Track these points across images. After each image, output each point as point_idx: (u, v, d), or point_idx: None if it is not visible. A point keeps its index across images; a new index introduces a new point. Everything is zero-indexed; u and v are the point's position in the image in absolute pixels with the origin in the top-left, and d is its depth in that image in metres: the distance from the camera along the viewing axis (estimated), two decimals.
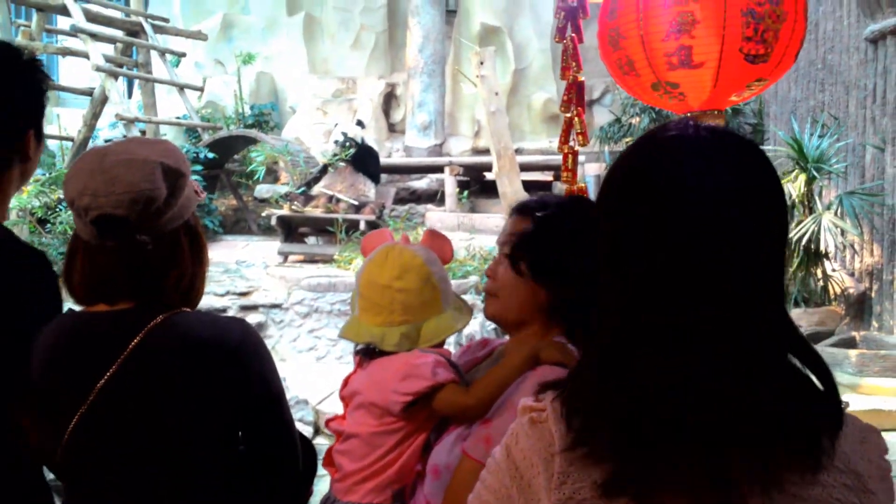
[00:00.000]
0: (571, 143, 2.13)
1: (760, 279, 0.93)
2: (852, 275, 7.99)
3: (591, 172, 11.02)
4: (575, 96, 2.12)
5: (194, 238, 1.61)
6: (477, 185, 11.01)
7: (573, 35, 2.11)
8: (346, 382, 1.70)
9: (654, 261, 0.92)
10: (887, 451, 1.00)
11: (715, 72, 1.95)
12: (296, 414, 6.09)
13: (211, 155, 10.58)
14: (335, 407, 6.47)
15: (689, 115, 2.10)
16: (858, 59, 7.94)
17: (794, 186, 7.48)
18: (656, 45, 1.95)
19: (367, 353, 1.68)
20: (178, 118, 11.72)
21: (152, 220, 1.49)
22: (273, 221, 9.41)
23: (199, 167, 10.40)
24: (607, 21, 2.05)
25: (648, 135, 1.01)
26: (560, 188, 9.17)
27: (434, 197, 11.35)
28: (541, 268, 1.50)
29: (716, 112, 2.08)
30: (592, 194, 8.21)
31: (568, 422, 0.94)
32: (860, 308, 7.78)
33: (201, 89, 12.49)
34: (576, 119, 2.12)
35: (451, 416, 1.53)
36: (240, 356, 1.51)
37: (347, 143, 9.43)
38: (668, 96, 2.06)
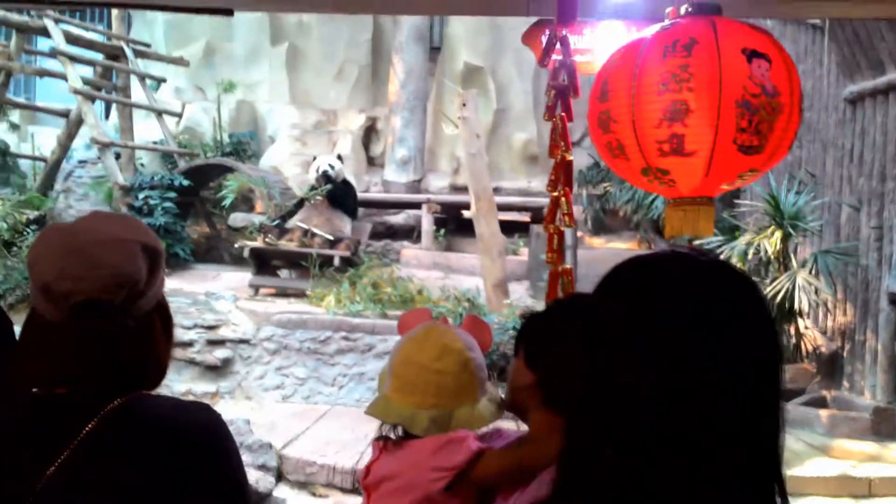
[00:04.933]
0: (557, 223, 2.07)
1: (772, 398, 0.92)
2: (825, 333, 8.01)
3: None
4: (563, 176, 2.07)
5: (165, 317, 1.57)
6: (454, 224, 10.96)
7: (563, 114, 2.06)
8: (367, 470, 1.63)
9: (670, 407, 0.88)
10: None
11: (707, 161, 1.90)
12: (258, 459, 5.94)
13: (186, 182, 10.45)
14: (301, 451, 6.34)
15: (678, 199, 2.05)
16: (837, 119, 8.03)
17: (769, 242, 7.51)
18: (648, 131, 1.90)
19: (389, 439, 1.63)
20: (154, 143, 11.59)
21: (133, 302, 1.43)
22: (245, 253, 9.27)
23: (173, 194, 10.28)
24: (598, 103, 2.00)
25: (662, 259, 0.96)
26: (537, 232, 9.15)
27: (410, 233, 11.27)
28: (530, 353, 1.53)
29: (706, 199, 2.03)
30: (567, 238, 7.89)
31: None
32: (832, 367, 7.80)
33: (179, 115, 12.38)
34: (563, 199, 2.06)
35: (495, 481, 1.50)
36: (202, 444, 1.44)
37: (327, 175, 9.37)
38: (657, 182, 2.00)
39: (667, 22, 1.97)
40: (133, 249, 1.42)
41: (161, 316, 1.52)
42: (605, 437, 0.91)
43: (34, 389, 1.46)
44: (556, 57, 2.19)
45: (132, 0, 2.54)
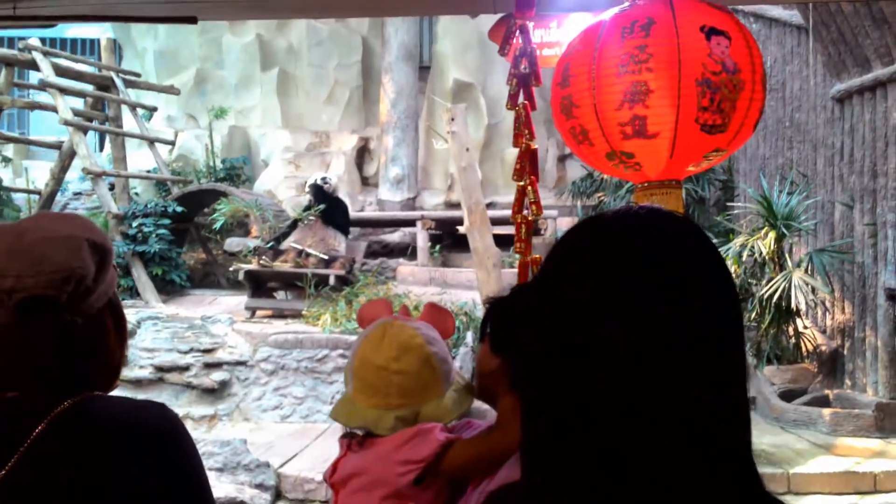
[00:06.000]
0: (525, 213, 2.05)
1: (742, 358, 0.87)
2: (824, 332, 7.96)
3: (563, 227, 11.01)
4: (528, 164, 2.05)
5: (118, 316, 1.53)
6: (450, 240, 10.94)
7: (525, 102, 2.05)
8: (334, 468, 1.59)
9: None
10: None
11: (671, 142, 1.88)
12: (256, 478, 5.89)
13: (180, 209, 10.46)
14: (298, 469, 6.29)
15: (645, 184, 2.02)
16: (825, 118, 8.03)
17: (764, 244, 7.48)
18: (610, 114, 1.89)
19: (355, 436, 1.59)
20: (148, 172, 11.61)
21: (81, 299, 1.39)
22: (241, 276, 9.26)
23: (167, 221, 10.27)
24: (559, 89, 1.99)
25: (622, 213, 0.94)
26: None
27: (406, 251, 11.26)
28: (495, 338, 1.49)
29: (674, 182, 2.01)
30: None
31: None
32: (833, 366, 7.74)
33: (172, 143, 12.41)
34: (529, 188, 2.04)
35: (466, 470, 1.47)
36: (156, 442, 1.40)
37: (319, 187, 9.43)
38: (623, 166, 1.99)
39: (625, 4, 1.97)
40: (79, 245, 1.40)
41: (113, 314, 1.50)
42: (581, 423, 0.88)
43: None
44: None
45: (98, 12, 2.56)
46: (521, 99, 2.06)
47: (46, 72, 9.61)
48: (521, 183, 2.05)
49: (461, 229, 10.03)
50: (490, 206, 10.07)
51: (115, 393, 1.55)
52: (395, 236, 11.85)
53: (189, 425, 7.72)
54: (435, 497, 1.51)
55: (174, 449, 1.43)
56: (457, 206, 11.36)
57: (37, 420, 1.35)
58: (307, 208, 9.58)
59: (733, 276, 0.90)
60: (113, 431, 1.36)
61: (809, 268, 7.50)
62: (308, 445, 6.71)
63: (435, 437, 1.49)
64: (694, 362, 0.83)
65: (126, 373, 7.05)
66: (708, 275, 0.87)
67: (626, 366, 0.84)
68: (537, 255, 2.04)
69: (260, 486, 5.76)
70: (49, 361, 1.39)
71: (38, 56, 9.65)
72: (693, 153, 1.94)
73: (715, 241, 7.67)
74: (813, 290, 7.48)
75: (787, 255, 7.63)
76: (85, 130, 10.27)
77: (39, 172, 12.53)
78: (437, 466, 1.48)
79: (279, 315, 9.12)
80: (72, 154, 10.46)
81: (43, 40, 10.39)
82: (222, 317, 8.68)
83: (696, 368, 0.83)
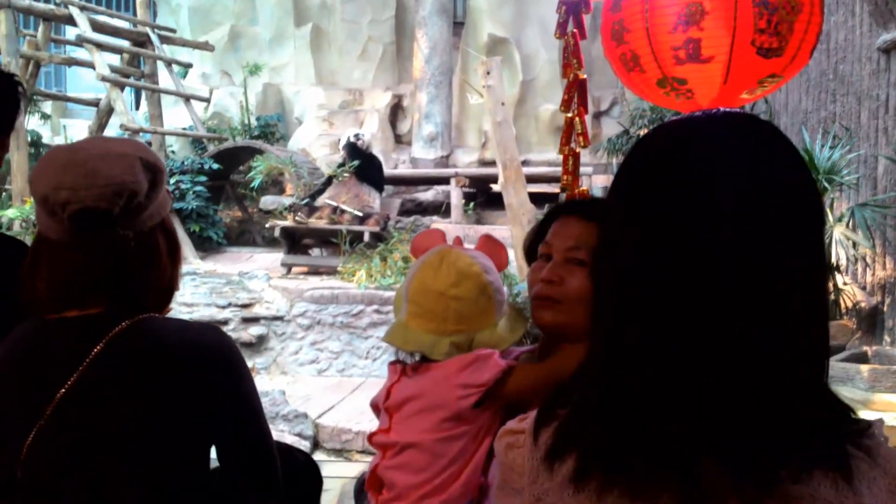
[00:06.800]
0: (572, 145, 2.02)
1: (802, 284, 0.82)
2: (864, 288, 7.85)
3: (598, 184, 10.92)
4: (576, 95, 2.02)
5: (170, 238, 1.56)
6: (483, 197, 10.91)
7: (574, 31, 2.01)
8: (388, 392, 1.61)
9: (679, 259, 0.81)
10: None
11: (725, 66, 1.83)
12: (294, 428, 5.99)
13: (216, 166, 10.51)
14: (335, 421, 6.38)
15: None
16: (871, 70, 7.83)
17: None
18: (662, 38, 1.84)
19: (406, 363, 1.61)
20: (184, 129, 11.68)
21: (134, 215, 1.43)
22: (277, 233, 9.33)
23: (204, 178, 10.34)
24: (611, 14, 1.95)
25: (672, 121, 0.91)
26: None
27: (440, 209, 11.25)
28: None
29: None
30: None
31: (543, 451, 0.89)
32: (872, 322, 7.63)
33: (207, 100, 12.44)
34: (577, 119, 2.01)
35: (526, 395, 1.47)
36: (212, 365, 1.43)
37: (353, 144, 9.41)
38: (675, 93, 1.94)
39: None
40: (131, 162, 1.43)
41: (165, 236, 1.52)
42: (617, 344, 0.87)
43: (44, 314, 1.46)
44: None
45: None
46: (570, 28, 2.02)
47: (83, 27, 9.65)
48: (569, 114, 2.02)
49: (495, 187, 9.99)
50: (523, 163, 10.00)
51: None
52: (428, 194, 11.83)
53: None
54: (492, 419, 1.52)
55: (228, 372, 1.45)
56: (490, 164, 11.32)
57: (96, 339, 1.38)
58: (341, 165, 9.58)
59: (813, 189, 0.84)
60: (169, 352, 1.39)
61: (851, 223, 7.37)
62: (344, 398, 6.79)
63: (495, 362, 1.50)
64: (740, 286, 0.79)
65: None
66: (764, 190, 0.81)
67: (659, 300, 0.81)
68: (585, 188, 2.02)
69: (299, 435, 5.86)
70: (103, 277, 1.42)
71: (74, 11, 9.68)
72: (748, 78, 1.89)
73: None
74: (854, 245, 7.35)
75: (828, 210, 7.50)
76: (122, 87, 10.33)
77: (77, 130, 12.66)
78: (496, 391, 1.49)
79: (314, 271, 9.19)
80: (109, 111, 10.54)
81: None
82: (259, 273, 8.77)
83: (742, 294, 0.79)
